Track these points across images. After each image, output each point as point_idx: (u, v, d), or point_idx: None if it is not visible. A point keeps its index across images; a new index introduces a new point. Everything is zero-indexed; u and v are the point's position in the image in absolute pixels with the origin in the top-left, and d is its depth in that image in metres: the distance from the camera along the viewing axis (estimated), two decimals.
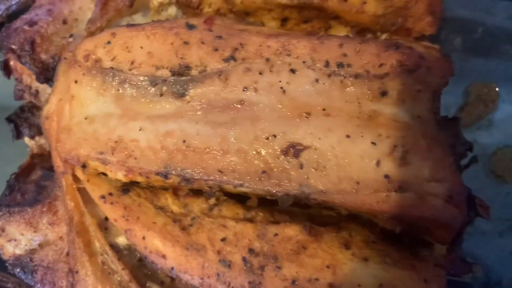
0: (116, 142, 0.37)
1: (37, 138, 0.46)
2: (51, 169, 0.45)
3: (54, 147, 0.39)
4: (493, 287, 0.50)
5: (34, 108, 0.46)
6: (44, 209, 0.40)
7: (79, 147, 0.37)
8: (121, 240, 0.40)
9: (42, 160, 0.47)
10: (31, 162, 0.46)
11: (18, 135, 0.46)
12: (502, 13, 0.53)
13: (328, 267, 0.35)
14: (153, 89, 0.37)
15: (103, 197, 0.37)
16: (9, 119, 0.46)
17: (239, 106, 0.36)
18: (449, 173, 0.35)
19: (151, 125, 0.37)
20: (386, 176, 0.34)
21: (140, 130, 0.37)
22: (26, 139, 0.46)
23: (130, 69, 0.37)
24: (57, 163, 0.39)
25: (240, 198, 0.38)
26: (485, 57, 0.53)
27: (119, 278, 0.40)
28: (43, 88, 0.45)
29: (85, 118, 0.38)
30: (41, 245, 0.41)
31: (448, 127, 0.42)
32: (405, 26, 0.42)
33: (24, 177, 0.45)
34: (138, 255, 0.40)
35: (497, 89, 0.52)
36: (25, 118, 0.46)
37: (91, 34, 0.40)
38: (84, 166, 0.38)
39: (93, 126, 0.37)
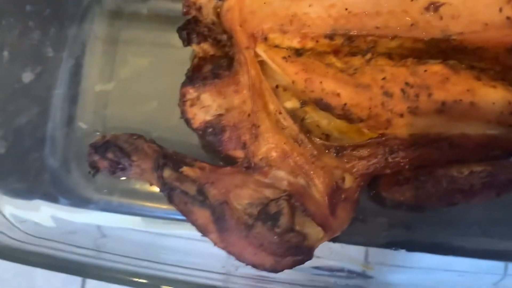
0: (292, 15, 0.48)
1: (202, 44, 0.58)
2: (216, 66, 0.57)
3: (238, 30, 0.50)
4: None
5: (197, 21, 0.58)
6: (230, 80, 0.52)
7: (263, 23, 0.49)
8: (288, 104, 0.52)
9: (206, 62, 0.58)
10: (200, 62, 0.58)
11: (189, 41, 0.58)
12: None
13: (468, 91, 0.45)
14: None
15: (284, 57, 0.48)
16: (181, 28, 0.58)
17: None
18: None
19: (318, 1, 0.48)
20: (508, 18, 0.45)
21: (309, 6, 0.48)
22: (194, 46, 0.58)
23: None
24: (242, 40, 0.50)
25: None
26: None
27: (290, 132, 0.51)
28: (206, 3, 0.57)
29: (264, 3, 0.49)
30: (227, 109, 0.52)
31: None
32: None
33: (198, 72, 0.56)
34: (300, 117, 0.52)
35: None
36: (192, 28, 0.58)
37: None
38: (265, 38, 0.49)
39: (271, 7, 0.49)
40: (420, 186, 0.51)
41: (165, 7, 0.66)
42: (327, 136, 0.52)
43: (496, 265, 0.60)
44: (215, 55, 0.58)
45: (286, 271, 0.51)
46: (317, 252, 0.51)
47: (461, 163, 0.50)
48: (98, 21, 0.66)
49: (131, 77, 0.65)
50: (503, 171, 0.48)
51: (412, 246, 0.58)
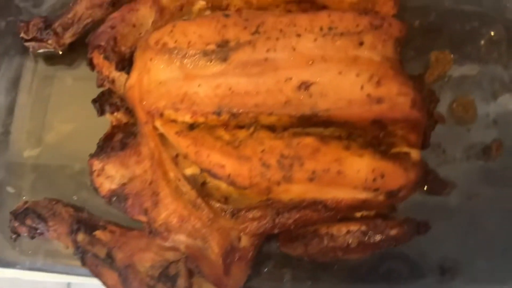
0: (183, 94, 0.53)
1: (115, 113, 0.63)
2: (127, 134, 0.62)
3: (138, 106, 0.56)
4: (464, 200, 0.65)
5: (111, 93, 0.63)
6: (132, 151, 0.56)
7: (158, 101, 0.54)
8: (187, 171, 0.56)
9: (119, 130, 0.63)
10: (113, 130, 0.62)
11: (102, 112, 0.63)
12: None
13: (335, 160, 0.51)
14: (205, 58, 0.54)
15: (177, 132, 0.53)
16: (94, 101, 0.63)
17: (265, 62, 0.53)
18: (411, 89, 0.51)
19: (206, 82, 0.53)
20: (368, 95, 0.51)
21: (198, 86, 0.53)
22: (107, 115, 0.63)
23: (187, 47, 0.54)
24: (141, 115, 0.55)
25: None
26: (439, 33, 0.71)
27: (189, 197, 0.56)
28: (118, 77, 0.62)
29: (159, 83, 0.55)
30: (130, 179, 0.56)
31: (414, 81, 0.59)
32: (374, 10, 0.60)
33: (109, 140, 0.61)
34: (200, 181, 0.57)
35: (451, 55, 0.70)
36: (106, 99, 0.63)
37: (156, 29, 0.58)
38: (161, 115, 0.54)
39: (166, 87, 0.54)
40: (307, 243, 0.56)
41: (88, 77, 0.70)
42: (226, 198, 0.57)
43: None
44: (128, 122, 0.63)
45: None
46: None
47: (342, 221, 0.55)
48: (26, 90, 0.71)
49: (57, 142, 0.69)
50: (375, 230, 0.53)
51: None
